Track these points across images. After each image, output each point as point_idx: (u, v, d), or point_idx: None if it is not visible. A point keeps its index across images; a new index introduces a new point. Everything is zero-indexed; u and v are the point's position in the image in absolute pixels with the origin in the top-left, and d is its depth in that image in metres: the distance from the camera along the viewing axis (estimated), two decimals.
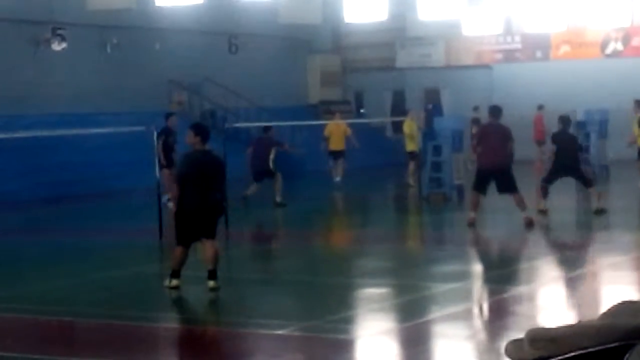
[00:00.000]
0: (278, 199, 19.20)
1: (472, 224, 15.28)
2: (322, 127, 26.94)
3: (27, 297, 10.89)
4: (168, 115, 19.72)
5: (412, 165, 23.04)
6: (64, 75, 25.59)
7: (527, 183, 22.07)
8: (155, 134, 15.84)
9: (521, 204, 15.17)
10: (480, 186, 15.35)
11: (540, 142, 26.78)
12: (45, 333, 9.42)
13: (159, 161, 16.95)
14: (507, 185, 15.19)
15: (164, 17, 25.65)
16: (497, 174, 15.11)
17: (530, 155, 25.74)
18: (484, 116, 28.02)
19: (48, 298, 10.78)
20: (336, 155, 24.52)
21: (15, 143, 20.80)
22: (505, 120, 19.11)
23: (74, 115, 23.52)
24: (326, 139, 24.62)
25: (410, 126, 23.48)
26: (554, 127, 17.97)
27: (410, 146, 23.20)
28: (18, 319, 9.92)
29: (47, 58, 25.49)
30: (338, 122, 24.80)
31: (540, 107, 27.12)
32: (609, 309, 3.58)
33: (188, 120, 21.37)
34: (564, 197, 21.90)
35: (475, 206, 15.45)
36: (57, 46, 25.64)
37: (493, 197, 17.47)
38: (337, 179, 24.20)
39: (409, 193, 22.44)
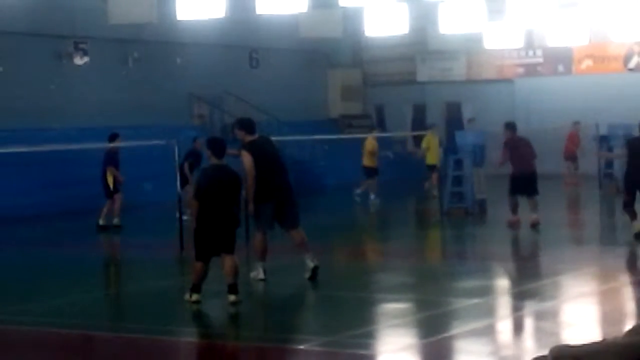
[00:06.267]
0: (101, 221, 18.59)
1: None
2: (343, 141, 26.90)
3: (47, 310, 10.89)
4: (195, 139, 19.95)
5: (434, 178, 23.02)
6: (85, 89, 25.70)
7: (554, 198, 22.01)
8: (176, 148, 15.82)
9: None
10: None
11: (570, 158, 26.60)
12: (65, 346, 9.40)
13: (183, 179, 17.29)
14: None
15: (185, 32, 25.72)
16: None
17: (553, 170, 25.52)
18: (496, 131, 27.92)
19: (68, 311, 10.78)
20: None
21: (37, 156, 20.91)
22: (527, 134, 19.00)
23: (95, 129, 23.59)
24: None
25: (429, 141, 23.78)
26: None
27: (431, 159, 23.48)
28: (39, 332, 9.92)
29: (69, 72, 25.62)
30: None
31: (576, 123, 26.69)
32: (634, 327, 3.52)
33: (209, 135, 21.42)
34: (591, 210, 21.79)
35: None
36: (79, 60, 25.78)
37: (521, 213, 17.39)
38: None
39: (430, 207, 22.33)
